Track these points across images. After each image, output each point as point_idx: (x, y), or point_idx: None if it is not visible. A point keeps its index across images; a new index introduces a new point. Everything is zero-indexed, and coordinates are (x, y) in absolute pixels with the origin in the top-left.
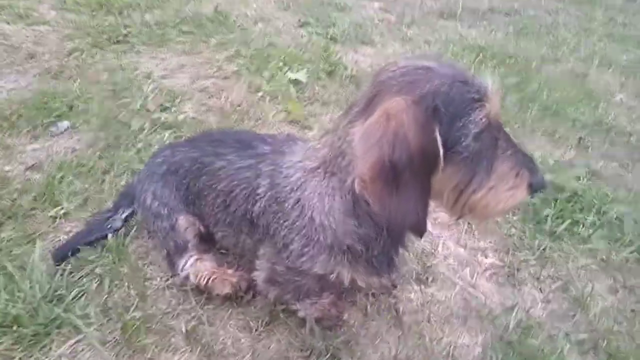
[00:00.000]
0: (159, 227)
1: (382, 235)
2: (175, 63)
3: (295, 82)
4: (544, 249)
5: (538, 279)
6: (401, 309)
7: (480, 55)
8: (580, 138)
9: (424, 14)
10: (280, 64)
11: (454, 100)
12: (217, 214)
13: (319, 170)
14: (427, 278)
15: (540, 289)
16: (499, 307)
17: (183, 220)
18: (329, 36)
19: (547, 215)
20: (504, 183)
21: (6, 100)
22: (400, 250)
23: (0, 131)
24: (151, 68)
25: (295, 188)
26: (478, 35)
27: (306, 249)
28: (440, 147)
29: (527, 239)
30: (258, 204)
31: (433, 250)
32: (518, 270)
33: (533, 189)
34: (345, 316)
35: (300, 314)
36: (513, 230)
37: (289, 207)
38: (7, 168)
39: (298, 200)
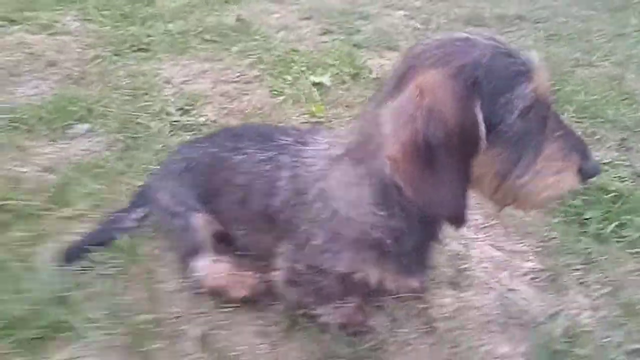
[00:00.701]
0: (173, 226)
1: (415, 228)
2: (196, 69)
3: (319, 86)
4: (589, 253)
5: (584, 284)
6: (433, 314)
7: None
8: (622, 139)
9: (450, 21)
10: (303, 68)
11: (497, 72)
12: (234, 210)
13: (345, 158)
14: (460, 282)
15: (586, 294)
16: (542, 314)
17: (199, 219)
18: (352, 43)
19: (591, 217)
20: (551, 166)
21: (26, 105)
22: (434, 248)
23: (18, 134)
24: (172, 74)
25: (318, 178)
26: (508, 41)
27: (329, 245)
28: (481, 124)
29: (570, 242)
30: (278, 197)
31: (467, 253)
32: (561, 274)
33: (584, 174)
34: (372, 322)
35: (323, 319)
36: (554, 233)
37: (312, 198)
38: (22, 169)
39: (321, 191)
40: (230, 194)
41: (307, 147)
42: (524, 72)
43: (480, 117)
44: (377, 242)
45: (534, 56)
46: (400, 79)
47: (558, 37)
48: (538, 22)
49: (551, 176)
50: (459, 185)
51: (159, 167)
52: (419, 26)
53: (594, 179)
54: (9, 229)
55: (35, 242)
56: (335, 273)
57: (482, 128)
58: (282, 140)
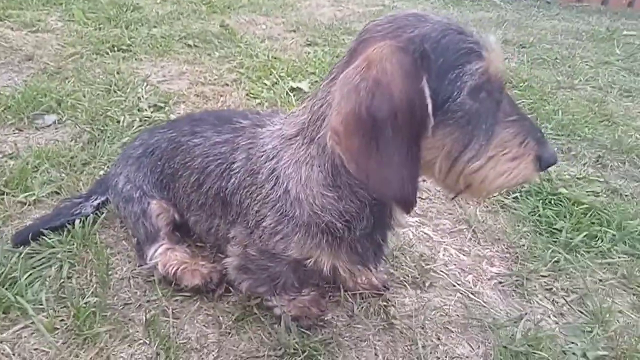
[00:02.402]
0: (129, 212)
1: (365, 212)
2: (175, 71)
3: (297, 91)
4: (557, 261)
5: (550, 290)
6: (392, 312)
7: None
8: (599, 156)
9: None
10: (283, 74)
11: (447, 48)
12: (190, 194)
13: (298, 138)
14: (424, 282)
15: (552, 301)
16: (505, 317)
17: (156, 206)
18: (336, 54)
19: (562, 228)
20: (506, 152)
21: None
22: (388, 236)
23: None
24: (150, 73)
25: (270, 157)
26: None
27: (280, 227)
28: (428, 99)
29: (539, 249)
30: (232, 179)
31: (433, 256)
32: (528, 280)
33: (542, 163)
34: (328, 316)
35: (277, 311)
36: (523, 240)
37: (263, 178)
38: None
39: (272, 171)
40: (186, 178)
41: (263, 129)
42: (475, 51)
43: (427, 91)
44: (328, 225)
45: (489, 38)
46: (352, 53)
47: (542, 61)
48: (523, 47)
49: (506, 163)
50: (406, 165)
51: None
52: None
53: (551, 168)
54: None
55: None
56: (286, 258)
57: (429, 103)
58: (240, 123)
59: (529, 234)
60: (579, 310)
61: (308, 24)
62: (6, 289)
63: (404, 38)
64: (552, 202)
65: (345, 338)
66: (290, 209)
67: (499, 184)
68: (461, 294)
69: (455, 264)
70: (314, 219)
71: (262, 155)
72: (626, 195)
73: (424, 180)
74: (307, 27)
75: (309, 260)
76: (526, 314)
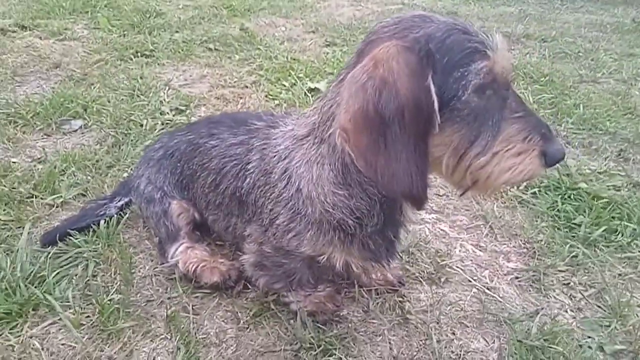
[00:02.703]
0: (151, 212)
1: (376, 209)
2: (196, 74)
3: (315, 91)
4: (575, 256)
5: (568, 284)
6: (407, 307)
7: (513, 73)
8: (621, 150)
9: None
10: (301, 75)
11: (452, 47)
12: (208, 194)
13: (309, 138)
14: (439, 278)
15: (570, 295)
16: (521, 312)
17: (176, 206)
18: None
19: (581, 223)
20: (511, 148)
21: (24, 101)
22: (400, 233)
23: (14, 127)
24: (172, 77)
25: (282, 157)
26: (511, 57)
27: (292, 224)
28: (434, 97)
29: (557, 244)
30: (248, 179)
31: (449, 252)
32: (545, 275)
33: (548, 159)
34: (344, 312)
35: (293, 306)
36: (541, 235)
37: (276, 177)
38: (13, 160)
39: (285, 170)
40: (204, 178)
41: (276, 130)
42: (480, 50)
43: (433, 89)
44: (339, 223)
45: (496, 37)
46: (360, 54)
47: (564, 55)
48: (545, 41)
49: (511, 158)
50: (414, 161)
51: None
52: None
53: (558, 164)
54: None
55: (18, 225)
56: (300, 255)
57: (435, 101)
58: (255, 124)
59: (547, 229)
60: (596, 305)
61: (327, 25)
62: (35, 287)
63: (410, 38)
64: (572, 196)
65: (361, 333)
66: (302, 207)
67: (504, 179)
68: (477, 289)
69: (471, 260)
70: (326, 217)
71: (275, 156)
72: None
73: (435, 178)
74: (326, 28)
75: (322, 257)
76: (542, 308)
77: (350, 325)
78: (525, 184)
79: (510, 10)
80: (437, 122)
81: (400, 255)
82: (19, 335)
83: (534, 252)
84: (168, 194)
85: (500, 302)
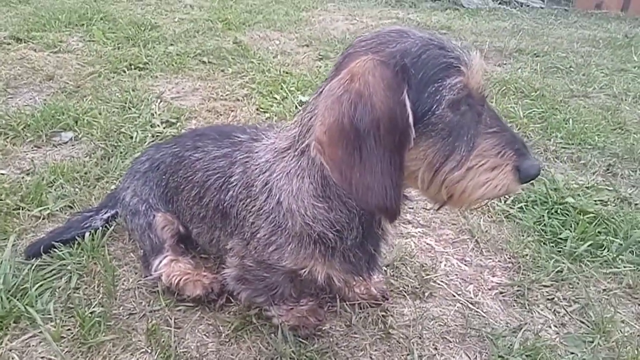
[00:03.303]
0: (136, 224)
1: (355, 222)
2: (188, 87)
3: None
4: (560, 271)
5: (552, 300)
6: (390, 322)
7: (504, 87)
8: (609, 165)
9: None
10: (293, 88)
11: (427, 62)
12: (192, 207)
13: (289, 150)
14: (424, 293)
15: (554, 311)
16: (504, 327)
17: (160, 218)
18: None
19: (567, 238)
20: (485, 163)
21: (16, 113)
22: (381, 246)
23: (4, 139)
24: (164, 90)
25: (264, 170)
26: (503, 71)
27: (274, 237)
28: (409, 111)
29: (542, 259)
30: (230, 192)
31: (434, 266)
32: (529, 290)
33: (522, 174)
34: (326, 326)
35: (275, 320)
36: (527, 250)
37: (257, 190)
38: (2, 171)
39: (266, 183)
40: (188, 191)
41: (258, 143)
42: (455, 65)
43: (407, 103)
44: (319, 236)
45: (472, 53)
46: (337, 68)
47: (556, 69)
48: (537, 56)
49: (484, 173)
50: (388, 175)
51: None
52: None
53: (533, 180)
54: None
55: (3, 237)
56: (281, 269)
57: (410, 115)
58: (239, 137)
59: (532, 243)
60: (580, 321)
61: (321, 39)
62: (17, 299)
63: (385, 52)
64: (558, 211)
65: (342, 347)
66: (283, 220)
67: (479, 194)
68: (461, 304)
69: (456, 274)
70: (306, 230)
71: (256, 169)
72: (636, 204)
73: (408, 193)
74: (320, 42)
75: (303, 270)
76: (526, 324)
77: (331, 339)
78: (512, 198)
79: (504, 25)
80: (412, 136)
81: (382, 268)
82: None
83: (519, 266)
84: (153, 207)
85: (484, 317)
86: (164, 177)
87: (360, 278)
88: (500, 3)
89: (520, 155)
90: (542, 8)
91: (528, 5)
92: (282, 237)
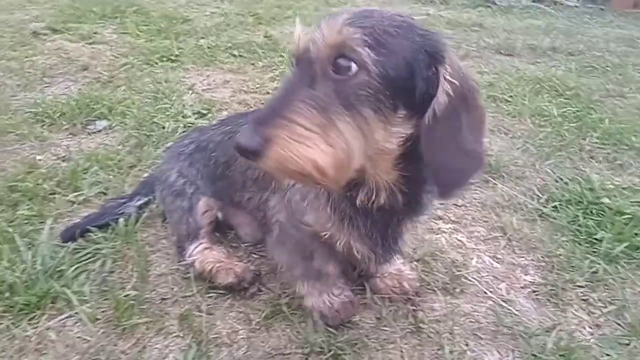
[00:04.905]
0: (177, 206)
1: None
2: (219, 79)
3: None
4: (595, 271)
5: (586, 300)
6: (420, 316)
7: (538, 85)
8: None
9: (479, 48)
10: None
11: None
12: (246, 172)
13: None
14: (454, 288)
15: (589, 311)
16: (537, 326)
17: (204, 203)
18: None
19: (603, 238)
20: None
21: (52, 101)
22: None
23: (41, 126)
24: (195, 82)
25: None
26: (536, 69)
27: (301, 202)
28: None
29: (577, 259)
30: None
31: (465, 262)
32: (563, 290)
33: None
34: (356, 317)
35: (307, 302)
36: (560, 250)
37: None
38: (39, 157)
39: None
40: (237, 164)
41: None
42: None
43: None
44: (335, 202)
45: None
46: None
47: (591, 69)
48: (572, 55)
49: None
50: None
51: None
52: None
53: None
54: (17, 207)
55: (40, 220)
56: (306, 228)
57: None
58: None
59: (567, 243)
60: (616, 322)
61: None
62: (54, 280)
63: None
64: (594, 211)
65: (372, 339)
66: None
67: None
68: (492, 301)
69: (487, 272)
70: (324, 195)
71: None
72: None
73: None
74: None
75: (324, 233)
76: (560, 323)
77: (362, 331)
78: (545, 196)
79: (538, 23)
80: None
81: (403, 254)
82: (36, 327)
83: (553, 266)
84: (199, 189)
85: (516, 315)
86: (213, 154)
87: (377, 256)
88: (533, 1)
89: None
90: (576, 7)
91: (562, 4)
92: (306, 201)
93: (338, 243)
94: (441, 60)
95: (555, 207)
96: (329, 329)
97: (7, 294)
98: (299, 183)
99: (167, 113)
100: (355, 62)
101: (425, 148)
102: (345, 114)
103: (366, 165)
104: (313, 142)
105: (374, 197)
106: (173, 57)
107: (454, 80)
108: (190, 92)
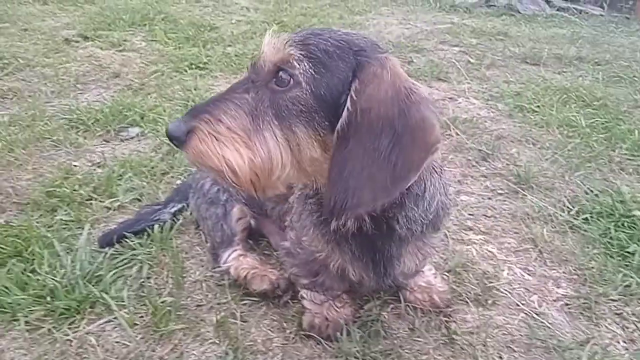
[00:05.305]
0: (212, 213)
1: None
2: None
3: None
4: (628, 285)
5: (620, 314)
6: (453, 327)
7: (565, 96)
8: None
9: (505, 58)
10: None
11: None
12: None
13: None
14: (486, 300)
15: (622, 326)
16: (570, 340)
17: (237, 210)
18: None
19: (635, 252)
20: None
21: (86, 108)
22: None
23: (76, 132)
24: (224, 90)
25: None
26: (563, 79)
27: (300, 221)
28: None
29: (609, 272)
30: None
31: (497, 274)
32: (596, 303)
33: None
34: (392, 328)
35: (306, 303)
36: (592, 262)
37: None
38: (74, 163)
39: None
40: None
41: None
42: None
43: None
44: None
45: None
46: None
47: (618, 79)
48: (598, 64)
49: None
50: None
51: None
52: (472, 61)
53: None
54: (55, 212)
55: (78, 226)
56: (306, 247)
57: None
58: None
59: (598, 256)
60: None
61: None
62: (93, 285)
63: None
64: (625, 224)
65: (406, 350)
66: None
67: None
68: (525, 313)
69: (519, 284)
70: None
71: None
72: None
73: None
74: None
75: (319, 254)
76: (593, 337)
77: (395, 341)
78: (576, 208)
79: (563, 32)
80: None
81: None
82: (77, 331)
83: (585, 279)
84: (233, 197)
85: (549, 328)
86: None
87: (371, 278)
88: (558, 10)
89: None
90: (602, 15)
91: (587, 13)
92: (305, 214)
93: (332, 264)
94: (354, 79)
95: (586, 219)
96: (365, 338)
97: (48, 298)
98: (218, 180)
99: None
100: (292, 77)
101: (330, 163)
102: (274, 124)
103: (318, 186)
104: (232, 143)
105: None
106: (201, 65)
107: (356, 99)
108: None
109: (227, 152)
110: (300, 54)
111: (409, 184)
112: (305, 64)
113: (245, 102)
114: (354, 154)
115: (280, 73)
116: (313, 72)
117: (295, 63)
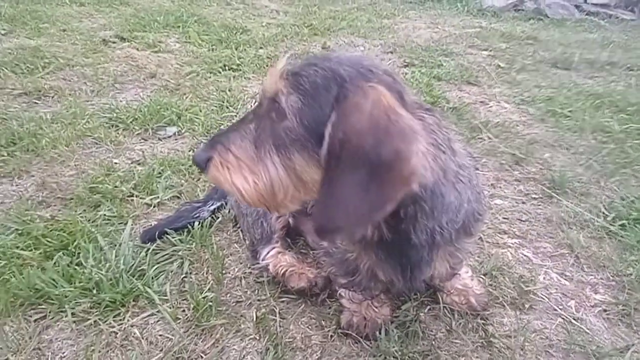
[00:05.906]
0: (252, 210)
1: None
2: None
3: None
4: None
5: None
6: (491, 330)
7: (598, 101)
8: None
9: (535, 62)
10: None
11: None
12: None
13: None
14: (523, 304)
15: None
16: (610, 346)
17: None
18: (433, 75)
19: None
20: None
21: (125, 107)
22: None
23: (116, 130)
24: (257, 91)
25: None
26: (595, 84)
27: None
28: None
29: None
30: None
31: (533, 278)
32: (635, 310)
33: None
34: (430, 330)
35: (344, 302)
36: (631, 269)
37: None
38: (115, 160)
39: None
40: None
41: None
42: None
43: None
44: None
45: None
46: None
47: None
48: (631, 70)
49: None
50: None
51: None
52: (502, 65)
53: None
54: (98, 208)
55: (120, 221)
56: (340, 246)
57: None
58: None
59: (636, 262)
60: None
61: (405, 46)
62: (136, 279)
63: None
64: None
65: (444, 351)
66: None
67: None
68: (562, 318)
69: (556, 288)
70: None
71: None
72: None
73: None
74: (404, 49)
75: (350, 255)
76: (633, 344)
77: (433, 342)
78: (613, 215)
79: (593, 37)
80: None
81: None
82: (121, 323)
83: (624, 285)
84: None
85: (588, 334)
86: None
87: (400, 281)
88: (587, 14)
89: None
90: (632, 20)
91: (617, 17)
92: None
93: (362, 265)
94: (333, 111)
95: (623, 225)
96: (403, 338)
97: (94, 291)
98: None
99: (233, 120)
100: (284, 109)
101: (319, 188)
102: (273, 152)
103: None
104: (239, 171)
105: None
106: (234, 67)
107: (331, 131)
108: (253, 100)
109: (235, 178)
110: (290, 87)
111: (386, 214)
112: (293, 97)
113: (250, 132)
114: (335, 182)
115: (275, 104)
116: (301, 104)
117: (283, 97)
